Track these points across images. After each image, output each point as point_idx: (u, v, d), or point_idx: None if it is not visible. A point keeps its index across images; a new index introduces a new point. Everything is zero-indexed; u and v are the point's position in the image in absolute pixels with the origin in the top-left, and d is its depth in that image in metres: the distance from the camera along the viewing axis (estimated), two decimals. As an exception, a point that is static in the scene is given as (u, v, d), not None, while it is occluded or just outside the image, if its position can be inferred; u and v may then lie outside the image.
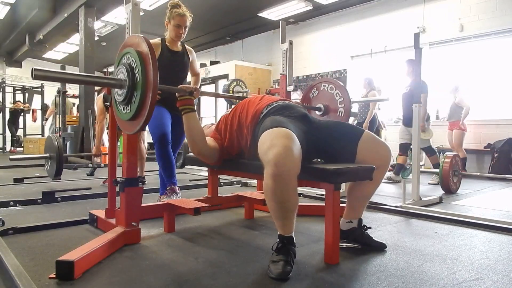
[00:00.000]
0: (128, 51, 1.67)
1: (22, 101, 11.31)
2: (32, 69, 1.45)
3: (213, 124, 2.28)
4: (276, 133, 1.53)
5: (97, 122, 4.18)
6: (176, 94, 1.94)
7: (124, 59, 1.70)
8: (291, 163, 1.43)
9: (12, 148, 10.72)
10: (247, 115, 1.87)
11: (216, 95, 2.33)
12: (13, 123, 10.73)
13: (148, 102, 1.55)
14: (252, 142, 1.80)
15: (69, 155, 5.97)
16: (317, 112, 2.66)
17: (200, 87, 2.98)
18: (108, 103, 2.18)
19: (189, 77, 3.06)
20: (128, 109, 1.66)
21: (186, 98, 1.91)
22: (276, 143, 1.46)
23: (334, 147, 1.79)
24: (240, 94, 4.69)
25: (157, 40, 2.69)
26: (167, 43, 2.74)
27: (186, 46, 2.88)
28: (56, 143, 3.51)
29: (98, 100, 4.22)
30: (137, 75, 1.60)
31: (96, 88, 6.39)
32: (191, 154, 2.18)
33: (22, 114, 11.04)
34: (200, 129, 1.92)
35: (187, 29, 2.71)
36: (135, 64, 1.61)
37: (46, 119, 9.37)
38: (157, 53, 2.66)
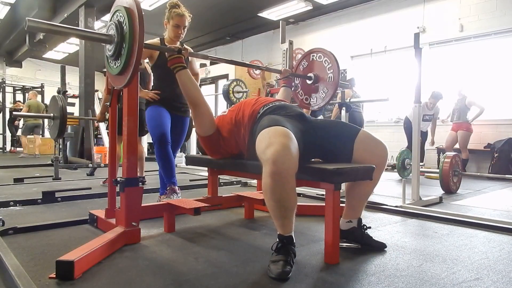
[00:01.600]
0: (118, 8, 1.73)
1: (22, 101, 11.31)
2: (26, 19, 1.50)
3: None
4: (273, 132, 1.53)
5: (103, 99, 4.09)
6: (166, 54, 1.99)
7: (114, 16, 1.75)
8: (289, 161, 1.44)
9: (12, 148, 10.73)
10: (243, 115, 1.88)
11: (205, 57, 2.35)
12: (13, 123, 10.73)
13: (135, 53, 1.60)
14: (250, 141, 1.81)
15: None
16: (307, 81, 2.67)
17: (200, 88, 2.98)
18: (108, 103, 2.19)
19: None
20: (118, 63, 1.72)
21: (176, 57, 1.96)
22: (273, 142, 1.47)
23: (330, 146, 1.79)
24: (240, 95, 4.71)
25: (156, 40, 2.69)
26: (166, 43, 2.73)
27: (185, 46, 2.88)
28: (60, 103, 3.56)
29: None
30: (124, 27, 1.66)
31: (100, 96, 6.44)
32: (191, 154, 2.18)
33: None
34: (194, 83, 1.98)
35: (186, 29, 2.71)
36: (123, 19, 1.67)
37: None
38: (156, 53, 2.67)
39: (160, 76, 2.78)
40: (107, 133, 4.48)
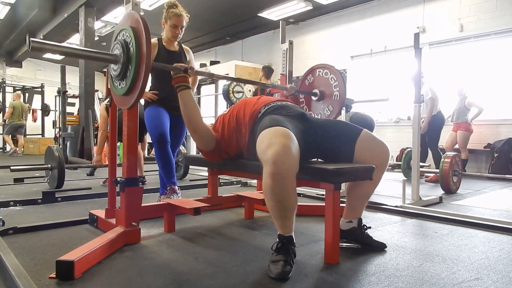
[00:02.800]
0: (124, 27, 1.71)
1: (22, 101, 11.30)
2: (29, 40, 1.49)
3: (211, 124, 2.28)
4: (274, 132, 1.53)
5: (100, 130, 3.97)
6: (171, 72, 1.97)
7: (119, 36, 1.73)
8: (290, 161, 1.44)
9: (17, 148, 10.72)
10: (244, 114, 1.88)
11: (210, 76, 2.34)
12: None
13: (142, 74, 1.59)
14: (251, 141, 1.80)
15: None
16: (313, 97, 2.66)
17: (200, 87, 2.97)
18: (109, 103, 2.18)
19: None
20: (123, 84, 1.70)
21: (180, 76, 1.94)
22: (274, 142, 1.46)
23: (332, 146, 1.79)
24: (240, 95, 4.70)
25: (154, 40, 2.69)
26: (164, 43, 2.74)
27: (183, 45, 2.88)
28: (57, 154, 3.51)
29: (101, 108, 4.15)
30: (131, 48, 1.64)
31: (100, 96, 6.46)
32: (191, 154, 2.18)
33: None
34: (195, 106, 1.95)
35: (183, 29, 2.71)
36: (130, 39, 1.65)
37: (5, 121, 9.50)
38: (154, 53, 2.66)
39: (158, 76, 2.77)
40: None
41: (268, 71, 5.27)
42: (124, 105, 1.77)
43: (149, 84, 2.82)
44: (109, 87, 1.93)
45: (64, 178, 3.55)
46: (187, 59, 2.87)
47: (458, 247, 1.89)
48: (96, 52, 1.83)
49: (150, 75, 2.77)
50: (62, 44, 1.68)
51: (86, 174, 5.00)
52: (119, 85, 1.74)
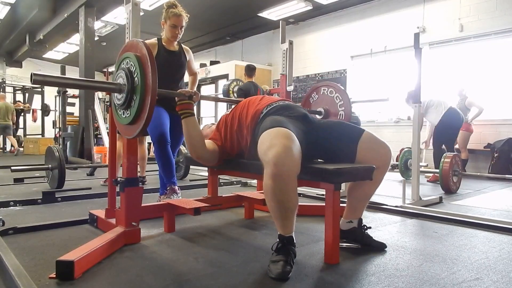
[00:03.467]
0: (127, 55, 1.69)
1: (22, 101, 11.31)
2: (31, 74, 1.46)
3: (213, 124, 2.28)
4: (275, 133, 1.53)
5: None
6: (176, 98, 1.93)
7: (123, 63, 1.71)
8: (291, 163, 1.43)
9: (13, 148, 10.72)
10: (247, 115, 1.87)
11: (216, 100, 2.36)
12: (13, 123, 10.73)
13: (147, 106, 1.56)
14: (252, 142, 1.80)
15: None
16: (317, 116, 2.66)
17: (200, 87, 2.97)
18: (108, 103, 2.18)
19: (186, 77, 3.05)
20: (127, 113, 1.68)
21: (185, 103, 1.90)
22: (275, 143, 1.46)
23: (334, 147, 1.79)
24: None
25: (153, 40, 2.68)
26: (163, 43, 2.73)
27: (183, 45, 2.87)
28: (57, 154, 3.51)
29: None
30: (136, 78, 1.61)
31: (100, 96, 6.47)
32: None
33: (22, 114, 11.03)
34: (199, 133, 1.92)
35: (183, 29, 2.70)
36: (134, 68, 1.62)
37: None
38: (153, 53, 2.65)
39: (158, 76, 2.76)
40: (107, 133, 4.49)
41: (249, 70, 5.20)
42: (128, 134, 1.75)
43: None
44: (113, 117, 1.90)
45: (65, 179, 3.55)
46: (187, 59, 2.87)
47: (458, 247, 1.89)
48: (99, 82, 1.82)
49: None
50: (65, 76, 1.67)
51: (86, 174, 4.99)
52: (123, 114, 1.71)
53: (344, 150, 1.76)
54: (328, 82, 2.67)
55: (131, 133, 1.70)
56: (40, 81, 1.50)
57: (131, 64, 1.64)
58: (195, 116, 1.94)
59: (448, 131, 4.66)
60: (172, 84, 2.54)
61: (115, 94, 1.74)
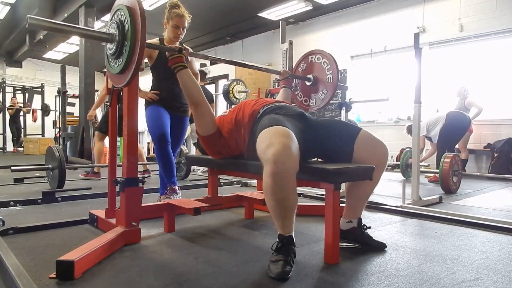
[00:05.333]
0: (119, 7, 1.73)
1: (22, 101, 11.31)
2: (27, 16, 1.50)
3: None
4: (274, 132, 1.53)
5: (101, 95, 4.47)
6: (167, 53, 2.00)
7: (115, 15, 1.75)
8: (290, 161, 1.44)
9: (14, 148, 10.74)
10: (243, 115, 1.88)
11: (205, 57, 2.38)
12: (14, 122, 10.73)
13: (137, 51, 1.60)
14: (250, 141, 1.81)
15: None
16: (307, 83, 2.67)
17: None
18: (108, 103, 2.19)
19: None
20: (119, 61, 1.71)
21: (176, 56, 1.97)
22: (274, 142, 1.47)
23: (331, 146, 1.79)
24: (243, 95, 4.71)
25: (155, 40, 2.69)
26: (165, 44, 2.72)
27: (185, 46, 2.86)
28: (57, 154, 3.52)
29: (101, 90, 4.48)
30: (126, 26, 1.66)
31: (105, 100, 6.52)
32: (192, 154, 2.18)
33: (22, 114, 11.04)
34: (195, 83, 1.99)
35: (185, 30, 2.70)
36: (125, 17, 1.66)
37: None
38: (155, 53, 2.66)
39: (159, 76, 2.77)
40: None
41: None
42: (120, 83, 1.78)
43: (150, 84, 2.81)
44: (105, 69, 1.92)
45: (65, 179, 3.55)
46: (189, 60, 2.87)
47: (458, 247, 1.89)
48: (92, 30, 1.87)
49: (152, 75, 2.77)
50: (60, 22, 1.70)
51: (86, 174, 4.99)
52: (115, 64, 1.76)
53: (341, 149, 1.77)
54: (316, 49, 2.70)
55: (122, 81, 1.73)
56: (35, 24, 1.54)
57: (122, 14, 1.69)
58: (188, 68, 2.01)
59: (453, 132, 4.70)
60: (173, 84, 2.54)
61: (108, 44, 1.78)
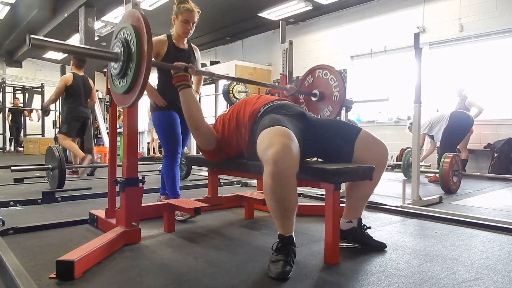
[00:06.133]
0: (124, 26, 1.70)
1: (22, 101, 11.31)
2: (29, 36, 1.47)
3: (211, 124, 2.27)
4: (274, 132, 1.53)
5: (55, 92, 4.51)
6: (172, 71, 1.97)
7: (120, 34, 1.73)
8: (290, 161, 1.44)
9: (12, 148, 10.74)
10: (244, 114, 1.88)
11: (211, 74, 2.34)
12: (15, 122, 10.72)
13: (143, 73, 1.58)
14: (250, 140, 1.81)
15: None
16: (312, 98, 2.66)
17: (200, 87, 2.92)
18: (108, 103, 2.18)
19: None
20: (124, 82, 1.69)
21: (181, 75, 1.94)
22: (274, 142, 1.46)
23: (331, 146, 1.79)
24: (243, 95, 4.70)
25: (162, 36, 2.58)
26: (173, 40, 2.62)
27: (192, 44, 2.80)
28: (57, 154, 3.52)
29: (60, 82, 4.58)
30: (132, 46, 1.63)
31: (100, 96, 6.54)
32: (192, 154, 2.18)
33: (23, 114, 11.03)
34: (197, 104, 1.97)
35: (194, 25, 2.61)
36: (130, 37, 1.64)
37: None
38: (163, 50, 2.55)
39: (165, 74, 2.58)
40: (107, 133, 4.53)
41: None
42: (124, 103, 1.77)
43: (155, 83, 2.71)
44: (109, 86, 1.93)
45: (65, 179, 3.55)
46: (195, 58, 2.78)
47: (458, 247, 1.89)
48: (96, 50, 1.83)
49: (157, 72, 2.67)
50: (63, 42, 1.67)
51: (86, 174, 4.99)
52: (119, 84, 1.73)
53: (341, 149, 1.77)
54: (323, 64, 2.68)
55: (127, 102, 1.71)
56: (38, 45, 1.52)
57: (128, 34, 1.66)
58: (192, 88, 1.98)
59: (456, 131, 4.70)
60: None
61: (112, 63, 1.75)
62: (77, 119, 4.59)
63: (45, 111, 5.76)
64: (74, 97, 4.56)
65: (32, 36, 1.49)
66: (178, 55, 2.60)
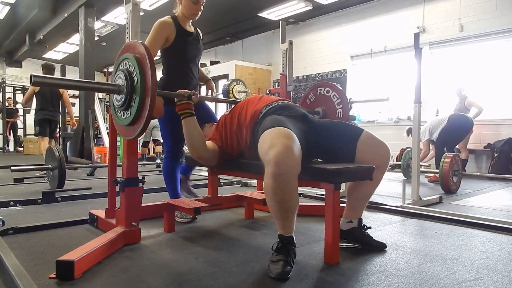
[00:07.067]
0: (126, 57, 1.69)
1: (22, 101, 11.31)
2: (31, 75, 1.46)
3: (213, 124, 2.27)
4: (276, 133, 1.53)
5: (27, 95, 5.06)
6: (175, 99, 1.92)
7: (122, 65, 1.71)
8: (292, 162, 1.44)
9: (11, 148, 10.74)
10: (246, 115, 1.88)
11: (215, 100, 2.29)
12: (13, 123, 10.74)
13: (147, 106, 1.56)
14: (252, 141, 1.81)
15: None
16: (316, 116, 2.65)
17: (200, 87, 2.88)
18: (108, 103, 2.18)
19: None
20: (127, 114, 1.67)
21: (185, 103, 1.90)
22: (276, 143, 1.46)
23: (333, 147, 1.79)
24: (243, 95, 4.70)
25: (167, 18, 2.30)
26: (179, 21, 2.35)
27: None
28: (57, 154, 3.52)
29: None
30: (135, 78, 1.61)
31: (100, 96, 6.57)
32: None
33: (22, 114, 11.04)
34: (200, 134, 1.92)
35: (203, 6, 2.40)
36: (133, 69, 1.62)
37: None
38: (172, 35, 2.29)
39: (173, 64, 2.37)
40: (107, 133, 4.53)
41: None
42: (128, 135, 1.74)
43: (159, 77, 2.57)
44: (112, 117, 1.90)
45: (65, 179, 3.55)
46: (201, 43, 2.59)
47: (458, 247, 1.89)
48: (99, 83, 1.81)
49: (162, 59, 2.42)
50: (64, 78, 1.67)
51: (86, 174, 5.00)
52: (123, 115, 1.71)
53: (344, 150, 1.77)
54: (325, 82, 2.67)
55: (132, 134, 1.70)
56: (40, 82, 1.51)
57: (130, 65, 1.64)
58: (195, 116, 1.94)
59: (454, 133, 4.70)
60: (194, 70, 2.36)
61: (115, 95, 1.74)
62: (44, 121, 5.10)
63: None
64: (42, 101, 5.07)
65: (33, 74, 1.47)
66: (187, 39, 2.38)
